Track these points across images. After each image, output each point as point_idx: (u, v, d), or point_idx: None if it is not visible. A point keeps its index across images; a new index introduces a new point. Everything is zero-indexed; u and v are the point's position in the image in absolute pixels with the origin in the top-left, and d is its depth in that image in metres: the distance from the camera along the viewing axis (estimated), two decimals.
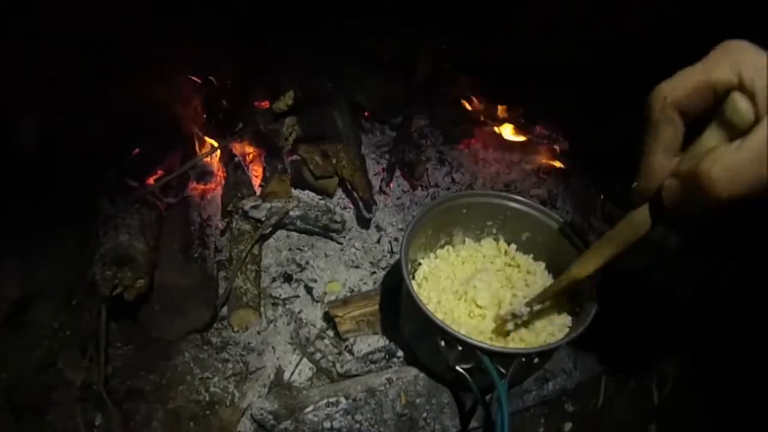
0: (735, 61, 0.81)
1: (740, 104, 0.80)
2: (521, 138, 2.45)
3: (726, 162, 0.79)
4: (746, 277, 1.90)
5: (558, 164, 2.42)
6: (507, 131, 2.48)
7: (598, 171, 2.36)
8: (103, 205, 1.93)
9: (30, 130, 2.04)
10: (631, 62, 2.30)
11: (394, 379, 1.58)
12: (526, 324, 1.46)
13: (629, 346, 1.81)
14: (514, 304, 1.44)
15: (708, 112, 0.86)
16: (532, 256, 1.65)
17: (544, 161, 2.44)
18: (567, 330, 1.45)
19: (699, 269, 1.92)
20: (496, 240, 1.70)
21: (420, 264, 1.63)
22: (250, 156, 2.23)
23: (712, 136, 0.86)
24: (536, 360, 1.37)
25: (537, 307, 1.41)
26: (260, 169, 2.19)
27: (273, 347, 1.77)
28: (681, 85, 0.87)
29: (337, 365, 1.69)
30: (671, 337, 1.85)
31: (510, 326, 1.43)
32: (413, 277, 1.59)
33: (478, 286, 1.51)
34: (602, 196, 2.26)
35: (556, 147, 2.45)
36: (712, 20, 2.08)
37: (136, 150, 2.14)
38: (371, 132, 2.42)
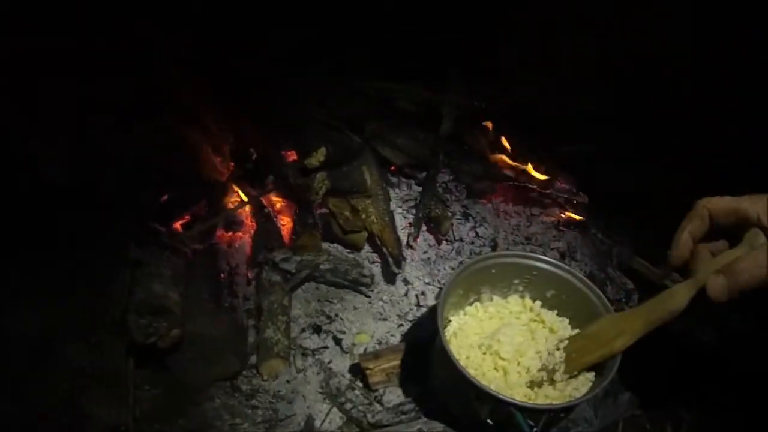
0: (760, 205, 1.28)
1: (757, 236, 1.29)
2: (541, 192, 2.57)
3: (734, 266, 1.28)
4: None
5: (577, 217, 2.54)
6: (527, 185, 2.61)
7: (615, 222, 2.48)
8: (130, 248, 2.03)
9: (53, 162, 2.12)
10: (647, 113, 2.46)
11: (425, 430, 1.69)
12: (550, 380, 1.59)
13: (647, 390, 1.91)
14: (546, 359, 1.61)
15: (733, 229, 1.34)
16: (556, 312, 1.78)
17: (563, 214, 2.55)
18: (590, 384, 1.58)
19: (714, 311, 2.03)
20: (522, 297, 1.83)
21: (450, 321, 1.75)
22: (279, 208, 2.35)
23: (739, 249, 1.32)
24: (562, 414, 1.51)
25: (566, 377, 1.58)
26: (289, 221, 2.30)
27: (303, 396, 1.86)
28: (719, 202, 1.35)
29: (368, 415, 1.78)
30: (688, 379, 1.94)
31: (545, 381, 1.59)
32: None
33: (502, 340, 1.64)
34: (618, 248, 2.39)
35: (575, 200, 2.56)
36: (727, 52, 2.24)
37: (165, 197, 2.25)
38: (397, 186, 2.53)
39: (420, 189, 2.50)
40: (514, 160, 2.62)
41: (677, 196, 2.28)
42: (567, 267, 1.74)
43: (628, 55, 2.43)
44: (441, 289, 2.12)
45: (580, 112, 2.53)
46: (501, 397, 1.39)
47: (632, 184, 2.50)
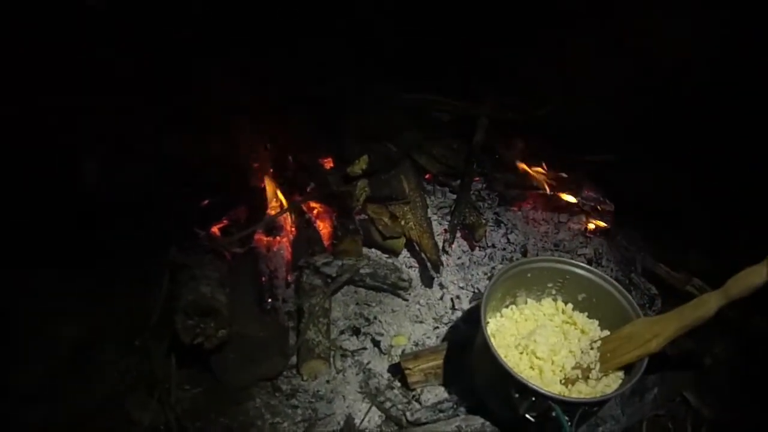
0: None
1: None
2: (570, 200, 2.67)
3: None
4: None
5: (603, 224, 2.63)
6: (556, 194, 2.71)
7: (639, 230, 2.59)
8: (172, 252, 2.15)
9: (93, 170, 2.26)
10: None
11: (464, 427, 1.81)
12: (585, 377, 1.71)
13: (670, 389, 2.03)
14: (581, 358, 1.74)
15: None
16: (587, 314, 1.90)
17: (590, 222, 2.65)
18: (620, 381, 1.71)
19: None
20: (555, 300, 1.95)
21: (488, 323, 1.86)
22: (318, 214, 2.46)
23: None
24: (595, 408, 1.63)
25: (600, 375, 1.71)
26: (328, 227, 2.41)
27: (343, 396, 1.97)
28: None
29: (407, 413, 1.89)
30: (709, 378, 2.06)
31: (579, 379, 1.71)
32: None
33: (537, 340, 1.77)
34: (641, 254, 2.49)
35: (601, 208, 2.65)
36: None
37: (206, 201, 2.37)
38: (432, 194, 2.66)
39: (455, 197, 2.62)
40: (543, 169, 2.72)
41: (699, 205, 2.43)
42: (598, 272, 1.86)
43: (652, 69, 2.53)
44: (475, 293, 2.25)
45: (606, 123, 2.61)
46: (542, 391, 1.51)
47: (656, 192, 2.59)
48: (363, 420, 1.91)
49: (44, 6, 2.02)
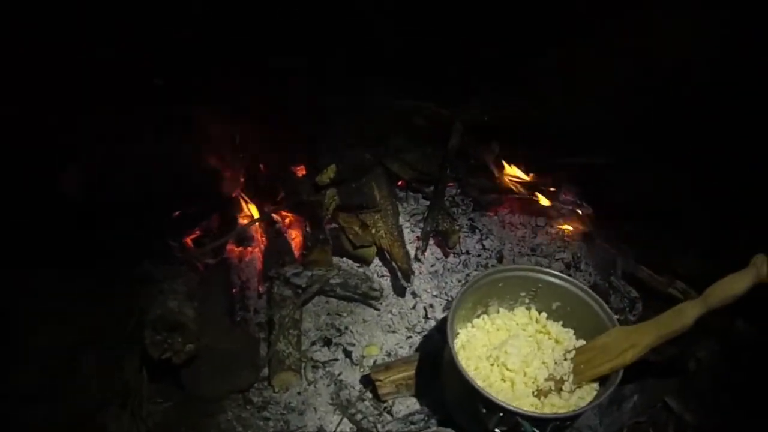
0: None
1: None
2: (547, 204, 2.66)
3: None
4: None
5: (581, 227, 2.63)
6: (533, 198, 2.70)
7: (620, 232, 2.55)
8: (145, 266, 2.14)
9: (73, 179, 2.22)
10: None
11: None
12: (558, 389, 1.69)
13: (651, 396, 2.00)
14: (554, 369, 1.72)
15: None
16: (562, 323, 1.88)
17: (568, 225, 2.65)
18: (595, 393, 1.69)
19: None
20: (528, 309, 1.93)
21: (458, 333, 1.84)
22: (289, 223, 2.44)
23: None
24: (568, 423, 1.61)
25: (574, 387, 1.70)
26: (299, 236, 2.40)
27: (314, 408, 1.95)
28: None
29: (378, 426, 1.88)
30: (692, 384, 2.04)
31: (552, 391, 1.69)
32: None
33: (509, 351, 1.74)
34: (622, 258, 2.45)
35: (580, 211, 2.65)
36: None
37: (177, 212, 2.35)
38: (405, 201, 2.64)
39: (428, 203, 2.60)
40: (520, 173, 2.71)
41: (680, 207, 2.41)
42: (572, 279, 1.84)
43: (652, 69, 2.50)
44: (449, 301, 2.23)
45: (584, 126, 2.59)
46: (508, 407, 1.48)
47: (636, 194, 2.57)
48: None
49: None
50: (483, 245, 2.53)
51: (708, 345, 2.10)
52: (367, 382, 2.00)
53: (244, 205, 2.44)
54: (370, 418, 1.93)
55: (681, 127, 2.47)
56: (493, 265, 2.43)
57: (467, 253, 2.49)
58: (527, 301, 1.93)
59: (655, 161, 2.55)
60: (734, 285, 1.50)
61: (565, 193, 2.66)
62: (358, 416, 1.94)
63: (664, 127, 2.49)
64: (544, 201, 2.65)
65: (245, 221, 2.38)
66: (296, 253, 2.33)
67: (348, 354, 2.11)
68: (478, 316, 1.91)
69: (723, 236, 2.33)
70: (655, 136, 2.52)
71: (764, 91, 2.25)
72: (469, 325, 1.89)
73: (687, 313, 1.55)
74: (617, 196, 2.62)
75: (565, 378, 1.70)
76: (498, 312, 1.93)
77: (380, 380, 1.93)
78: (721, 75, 2.36)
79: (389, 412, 1.95)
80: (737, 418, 1.97)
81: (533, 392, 1.69)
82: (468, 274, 2.39)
